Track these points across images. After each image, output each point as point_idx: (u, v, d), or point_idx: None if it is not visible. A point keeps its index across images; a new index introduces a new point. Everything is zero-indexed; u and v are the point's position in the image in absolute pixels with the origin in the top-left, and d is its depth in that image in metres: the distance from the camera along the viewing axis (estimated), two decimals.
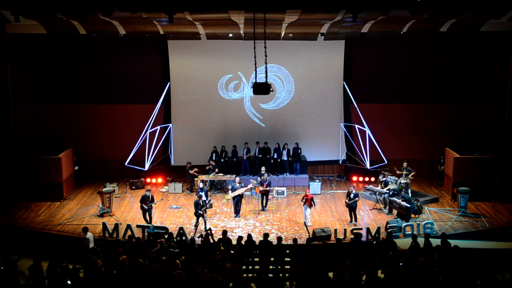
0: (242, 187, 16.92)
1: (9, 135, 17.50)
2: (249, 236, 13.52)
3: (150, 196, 16.17)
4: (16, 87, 17.86)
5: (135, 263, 11.40)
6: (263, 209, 17.36)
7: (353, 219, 16.11)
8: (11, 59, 17.31)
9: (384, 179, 17.60)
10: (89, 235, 13.86)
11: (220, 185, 19.58)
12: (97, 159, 21.04)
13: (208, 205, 15.91)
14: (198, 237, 14.21)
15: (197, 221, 15.56)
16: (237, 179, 17.20)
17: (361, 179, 20.43)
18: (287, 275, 12.49)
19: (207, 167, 19.33)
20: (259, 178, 17.72)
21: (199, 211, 15.41)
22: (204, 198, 16.15)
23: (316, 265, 11.24)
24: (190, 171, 19.35)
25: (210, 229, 14.49)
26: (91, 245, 13.75)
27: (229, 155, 20.07)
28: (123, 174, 20.71)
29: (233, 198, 16.75)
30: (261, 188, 17.34)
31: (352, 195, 16.02)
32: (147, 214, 16.10)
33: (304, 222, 15.82)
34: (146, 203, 15.99)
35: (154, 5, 14.10)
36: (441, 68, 20.75)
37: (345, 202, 16.27)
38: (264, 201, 17.43)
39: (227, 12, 15.02)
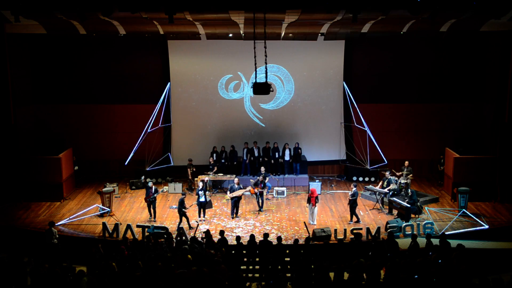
0: (241, 188, 16.92)
1: (9, 135, 17.50)
2: (252, 236, 13.50)
3: (153, 188, 16.32)
4: (16, 87, 17.87)
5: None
6: (260, 210, 17.37)
7: (352, 218, 16.15)
8: (11, 59, 17.30)
9: (390, 177, 17.56)
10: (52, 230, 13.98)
11: (220, 185, 19.59)
12: (97, 159, 21.04)
13: (207, 205, 15.96)
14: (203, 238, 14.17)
15: (181, 220, 15.71)
16: (236, 180, 17.20)
17: (361, 179, 20.43)
18: (288, 275, 12.48)
19: (215, 168, 19.35)
20: (259, 178, 17.71)
21: (183, 209, 15.59)
22: (202, 199, 16.21)
23: (316, 265, 11.24)
24: (189, 170, 19.35)
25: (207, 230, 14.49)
26: (54, 240, 13.86)
27: (228, 155, 20.08)
28: (123, 174, 20.71)
29: (231, 198, 16.75)
30: (256, 190, 17.34)
31: (351, 193, 16.17)
32: (151, 206, 16.34)
33: (304, 222, 15.84)
34: (150, 195, 16.28)
35: (154, 5, 14.11)
36: (441, 68, 20.75)
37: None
38: (260, 201, 17.44)
39: (227, 12, 15.02)
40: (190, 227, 15.73)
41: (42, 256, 12.84)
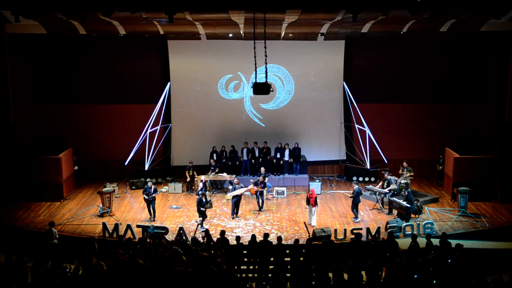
0: (242, 187, 16.95)
1: (9, 135, 17.50)
2: (253, 236, 13.49)
3: (153, 188, 16.38)
4: (16, 87, 17.86)
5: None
6: (260, 210, 17.38)
7: (355, 215, 16.41)
8: (11, 59, 17.30)
9: (389, 177, 17.63)
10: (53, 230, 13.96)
11: (220, 185, 19.59)
12: (97, 159, 21.04)
13: (208, 205, 15.96)
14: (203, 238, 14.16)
15: (203, 219, 15.71)
16: (235, 180, 17.22)
17: (361, 179, 20.44)
18: (288, 275, 12.48)
19: (216, 169, 19.36)
20: (259, 178, 17.71)
21: (202, 208, 15.54)
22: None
23: (316, 265, 11.23)
24: (188, 173, 19.33)
25: (207, 230, 14.54)
26: (54, 240, 13.85)
27: (228, 155, 20.08)
28: (123, 174, 20.71)
29: (232, 198, 16.76)
30: (255, 189, 17.35)
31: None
32: (150, 206, 16.38)
33: (304, 222, 15.84)
34: (149, 194, 16.29)
35: (154, 5, 14.10)
36: (441, 68, 20.75)
37: None
38: (260, 201, 17.45)
39: (227, 12, 15.02)
40: (202, 226, 15.69)
41: (42, 256, 12.83)
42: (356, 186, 16.52)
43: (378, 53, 20.62)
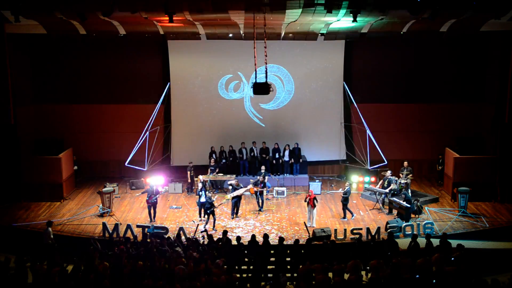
0: (241, 187, 16.94)
1: (9, 135, 17.50)
2: (253, 236, 13.48)
3: (154, 190, 16.38)
4: (16, 87, 17.86)
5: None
6: (260, 210, 17.37)
7: (346, 215, 16.47)
8: (11, 59, 17.30)
9: (390, 177, 17.63)
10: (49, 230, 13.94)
11: (220, 185, 19.59)
12: (97, 159, 21.03)
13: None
14: (202, 238, 14.15)
15: (208, 220, 15.71)
16: (234, 181, 17.22)
17: (361, 179, 20.43)
18: (288, 275, 12.48)
19: (216, 170, 19.36)
20: (259, 178, 17.70)
21: (214, 208, 15.74)
22: (203, 199, 16.16)
23: (316, 265, 11.23)
24: (190, 173, 19.30)
25: (205, 230, 14.55)
26: (49, 240, 13.83)
27: (227, 155, 20.07)
28: (123, 174, 20.71)
29: (232, 198, 16.75)
30: (255, 189, 17.34)
31: (344, 191, 16.56)
32: (152, 208, 16.33)
33: (304, 222, 15.83)
34: (151, 197, 16.23)
35: (154, 5, 14.10)
36: (441, 68, 20.74)
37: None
38: (260, 201, 17.44)
39: (227, 12, 15.01)
40: (204, 226, 15.67)
41: (40, 256, 12.84)
42: (348, 187, 16.51)
43: (378, 53, 20.61)
